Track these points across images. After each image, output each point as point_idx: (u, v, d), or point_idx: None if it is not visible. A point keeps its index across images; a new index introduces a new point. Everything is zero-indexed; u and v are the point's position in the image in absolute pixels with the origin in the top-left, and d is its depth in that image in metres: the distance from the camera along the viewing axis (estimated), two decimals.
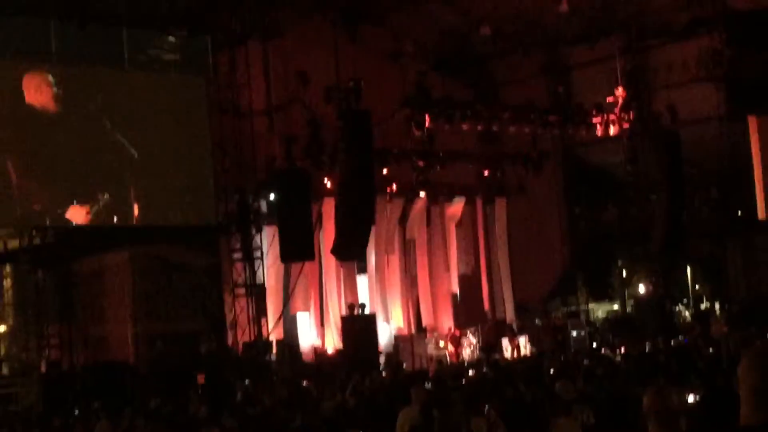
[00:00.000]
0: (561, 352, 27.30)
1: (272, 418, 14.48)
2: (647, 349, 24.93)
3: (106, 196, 28.02)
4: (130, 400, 21.25)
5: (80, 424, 16.96)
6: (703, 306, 35.49)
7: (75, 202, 27.60)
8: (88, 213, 27.77)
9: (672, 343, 26.70)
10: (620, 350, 26.09)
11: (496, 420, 10.95)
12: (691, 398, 10.70)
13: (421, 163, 32.19)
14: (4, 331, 29.65)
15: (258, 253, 30.48)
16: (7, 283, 30.41)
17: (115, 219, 28.42)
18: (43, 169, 27.23)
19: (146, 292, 29.22)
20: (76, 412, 20.36)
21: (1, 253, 28.84)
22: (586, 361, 21.54)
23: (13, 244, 28.95)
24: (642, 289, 35.16)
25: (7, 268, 30.30)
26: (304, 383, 22.94)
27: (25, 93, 27.22)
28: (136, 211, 28.68)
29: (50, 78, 27.56)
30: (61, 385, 24.76)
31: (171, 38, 29.91)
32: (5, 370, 28.57)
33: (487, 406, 11.25)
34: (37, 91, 27.36)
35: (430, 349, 31.21)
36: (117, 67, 28.80)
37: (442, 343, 32.27)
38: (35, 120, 27.17)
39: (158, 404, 18.12)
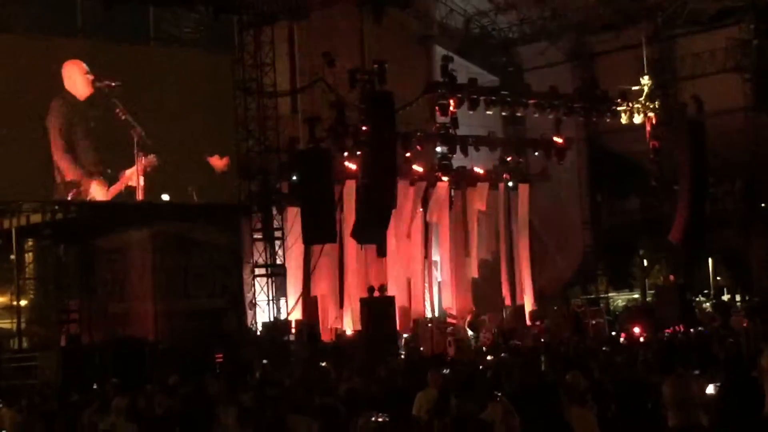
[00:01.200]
0: (579, 340, 27.24)
1: (290, 398, 14.47)
2: (666, 339, 24.88)
3: (128, 172, 28.04)
4: (148, 377, 21.29)
5: (98, 398, 17.00)
6: (724, 297, 35.39)
7: (101, 177, 27.67)
8: (108, 189, 27.80)
9: (691, 332, 26.63)
10: (639, 339, 26.04)
11: (509, 408, 10.93)
12: (710, 389, 10.68)
13: (444, 148, 32.13)
14: (25, 305, 29.76)
15: (279, 234, 30.49)
16: (29, 257, 30.50)
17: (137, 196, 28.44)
18: (71, 145, 27.30)
19: (167, 270, 29.25)
20: (94, 386, 20.40)
21: (23, 227, 28.91)
22: (604, 349, 21.52)
23: (35, 218, 29.03)
24: (662, 279, 35.08)
25: (29, 243, 30.39)
26: (323, 364, 22.94)
27: (65, 81, 27.32)
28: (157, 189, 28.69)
29: (86, 66, 27.59)
30: (80, 360, 24.82)
31: (196, 17, 29.88)
32: (25, 344, 28.69)
33: (499, 395, 11.21)
34: (75, 81, 27.42)
35: (449, 333, 31.17)
36: (142, 45, 28.81)
37: (460, 328, 32.24)
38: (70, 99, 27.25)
39: (177, 381, 18.12)
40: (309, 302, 30.83)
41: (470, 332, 32.07)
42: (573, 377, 11.82)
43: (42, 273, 30.19)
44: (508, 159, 35.47)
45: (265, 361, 23.39)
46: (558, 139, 34.27)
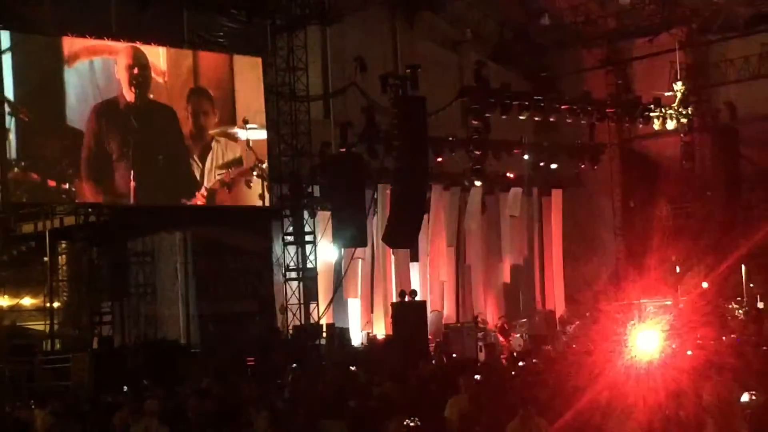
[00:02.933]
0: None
1: (322, 402, 14.49)
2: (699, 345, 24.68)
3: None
4: (180, 380, 21.34)
5: (129, 401, 17.06)
6: (759, 305, 35.11)
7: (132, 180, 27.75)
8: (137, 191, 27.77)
9: (724, 340, 26.43)
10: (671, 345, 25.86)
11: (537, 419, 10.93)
12: (744, 396, 10.60)
13: (477, 153, 32.07)
14: (58, 307, 29.90)
15: (310, 237, 30.52)
16: (62, 259, 30.65)
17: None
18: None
19: (199, 273, 29.35)
20: (125, 389, 20.45)
21: (56, 229, 29.06)
22: None
23: (69, 221, 29.18)
24: (694, 284, 34.85)
25: (63, 245, 30.55)
26: (353, 368, 22.94)
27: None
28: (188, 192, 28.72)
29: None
30: (113, 362, 24.92)
31: (230, 21, 29.96)
32: (58, 346, 28.82)
33: (522, 409, 11.19)
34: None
35: (479, 338, 31.12)
36: (175, 48, 28.89)
37: (492, 333, 32.19)
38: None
39: (209, 384, 18.17)
40: (340, 306, 30.85)
41: (501, 337, 32.01)
42: None
43: (75, 275, 30.31)
44: (541, 164, 35.38)
45: (294, 365, 23.42)
46: (591, 145, 34.19)
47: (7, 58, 25.46)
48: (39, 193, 26.24)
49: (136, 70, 27.22)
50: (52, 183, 25.91)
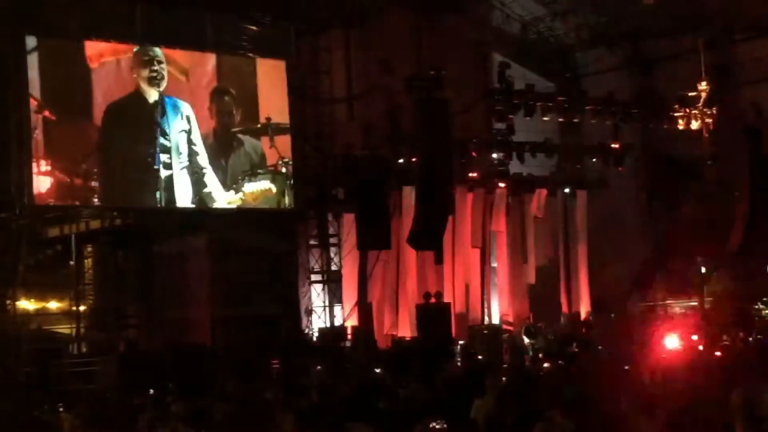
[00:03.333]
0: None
1: (348, 405, 14.50)
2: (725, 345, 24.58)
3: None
4: (206, 383, 21.39)
5: (155, 404, 17.10)
6: None
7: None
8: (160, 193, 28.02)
9: (751, 341, 26.32)
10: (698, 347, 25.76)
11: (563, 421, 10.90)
12: None
13: (501, 154, 32.04)
14: (84, 311, 30.03)
15: (334, 240, 30.54)
16: (88, 263, 30.79)
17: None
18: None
19: (224, 276, 29.42)
20: (151, 392, 20.51)
21: (82, 233, 29.19)
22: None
23: (95, 224, 29.31)
24: (721, 286, 34.73)
25: (89, 249, 30.68)
26: (378, 371, 22.95)
27: None
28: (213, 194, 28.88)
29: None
30: (139, 365, 25.01)
31: (253, 24, 30.05)
32: (84, 349, 28.95)
33: (547, 413, 11.15)
34: None
35: (505, 340, 31.06)
36: (199, 50, 29.04)
37: (516, 335, 32.13)
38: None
39: (234, 387, 18.22)
40: (365, 309, 30.86)
41: (527, 339, 31.94)
42: None
43: (101, 279, 30.46)
44: (565, 165, 35.29)
45: (318, 368, 23.45)
46: (615, 146, 34.09)
47: (33, 58, 25.75)
48: (65, 193, 26.45)
49: (154, 66, 27.45)
50: (78, 181, 26.08)
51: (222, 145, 28.46)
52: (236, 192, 28.37)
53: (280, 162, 29.05)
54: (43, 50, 26.15)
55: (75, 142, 26.72)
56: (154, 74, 27.48)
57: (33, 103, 25.77)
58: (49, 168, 25.94)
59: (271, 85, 29.63)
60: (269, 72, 29.82)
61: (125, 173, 27.36)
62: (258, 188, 28.42)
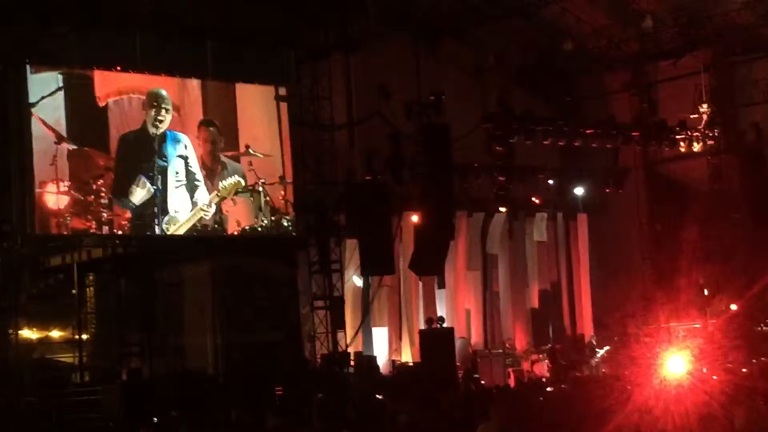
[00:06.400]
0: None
1: (351, 431, 14.49)
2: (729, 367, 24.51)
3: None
4: (209, 410, 21.35)
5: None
6: None
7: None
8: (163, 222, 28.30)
9: (754, 363, 26.24)
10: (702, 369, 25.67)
11: None
12: None
13: (501, 179, 32.06)
14: (87, 339, 29.98)
15: (336, 266, 30.54)
16: (90, 291, 30.76)
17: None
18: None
19: (226, 303, 29.42)
20: (155, 420, 20.48)
21: (84, 262, 29.19)
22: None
23: (96, 253, 29.32)
24: (724, 308, 34.66)
25: (90, 277, 30.67)
26: (380, 397, 22.90)
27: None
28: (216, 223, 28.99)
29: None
30: (142, 394, 24.96)
31: (254, 51, 30.16)
32: (87, 378, 28.89)
33: None
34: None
35: (509, 365, 31.04)
36: (200, 78, 29.23)
37: (519, 359, 32.10)
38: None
39: (238, 414, 18.18)
40: (367, 334, 30.83)
41: (530, 363, 31.90)
42: None
43: (103, 307, 30.43)
44: (566, 189, 35.32)
45: (320, 395, 23.40)
46: (616, 169, 34.11)
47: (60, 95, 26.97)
48: (79, 210, 27.05)
49: (155, 110, 28.25)
50: (90, 198, 27.10)
51: (209, 171, 28.92)
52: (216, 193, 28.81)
53: (257, 183, 29.37)
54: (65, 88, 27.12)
55: (90, 168, 27.33)
56: (161, 119, 28.23)
57: (52, 135, 26.63)
58: (66, 188, 26.66)
59: (252, 113, 30.12)
60: (251, 100, 30.17)
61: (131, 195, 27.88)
62: (230, 182, 28.83)
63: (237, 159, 29.57)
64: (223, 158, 29.32)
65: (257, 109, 30.37)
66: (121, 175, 27.77)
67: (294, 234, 30.21)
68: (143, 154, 28.14)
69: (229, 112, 29.92)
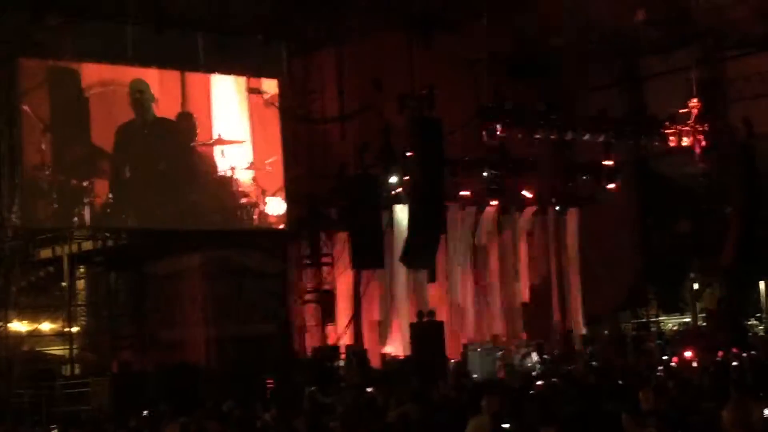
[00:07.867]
0: (632, 364, 27.01)
1: (343, 424, 14.49)
2: (719, 363, 24.57)
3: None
4: (200, 403, 21.35)
5: (150, 425, 17.08)
6: None
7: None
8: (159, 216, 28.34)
9: (745, 356, 26.30)
10: (692, 363, 25.77)
11: None
12: (767, 412, 10.53)
13: (493, 172, 32.04)
14: (77, 332, 29.98)
15: (327, 259, 30.55)
16: (81, 284, 30.76)
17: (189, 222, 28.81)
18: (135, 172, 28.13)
19: (218, 296, 29.45)
20: (145, 413, 20.47)
21: (75, 254, 29.17)
22: (658, 374, 21.29)
23: (87, 245, 29.29)
24: (714, 302, 34.76)
25: (81, 270, 30.65)
26: (370, 390, 22.91)
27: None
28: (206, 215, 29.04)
29: None
30: (133, 386, 24.98)
31: (246, 44, 30.15)
32: (77, 370, 28.88)
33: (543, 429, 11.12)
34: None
35: (498, 358, 31.05)
36: (192, 71, 29.22)
37: (510, 352, 32.11)
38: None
39: (230, 407, 18.17)
40: (357, 327, 30.84)
41: (520, 357, 31.91)
42: (644, 394, 11.84)
43: (94, 300, 30.45)
44: (557, 183, 35.32)
45: (312, 388, 23.41)
46: (607, 163, 34.09)
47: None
48: (60, 216, 26.80)
49: (138, 96, 28.63)
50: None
51: (188, 157, 29.46)
52: None
53: (228, 168, 29.51)
54: (48, 77, 27.31)
55: (74, 161, 27.60)
56: (140, 104, 28.62)
57: (40, 125, 26.75)
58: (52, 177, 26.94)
59: (225, 102, 30.22)
60: (223, 89, 30.25)
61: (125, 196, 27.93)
62: None
63: (210, 147, 29.85)
64: (197, 148, 29.62)
65: (231, 99, 30.57)
66: (119, 163, 28.03)
67: (283, 227, 30.24)
68: (136, 142, 28.37)
69: (203, 102, 30.09)
